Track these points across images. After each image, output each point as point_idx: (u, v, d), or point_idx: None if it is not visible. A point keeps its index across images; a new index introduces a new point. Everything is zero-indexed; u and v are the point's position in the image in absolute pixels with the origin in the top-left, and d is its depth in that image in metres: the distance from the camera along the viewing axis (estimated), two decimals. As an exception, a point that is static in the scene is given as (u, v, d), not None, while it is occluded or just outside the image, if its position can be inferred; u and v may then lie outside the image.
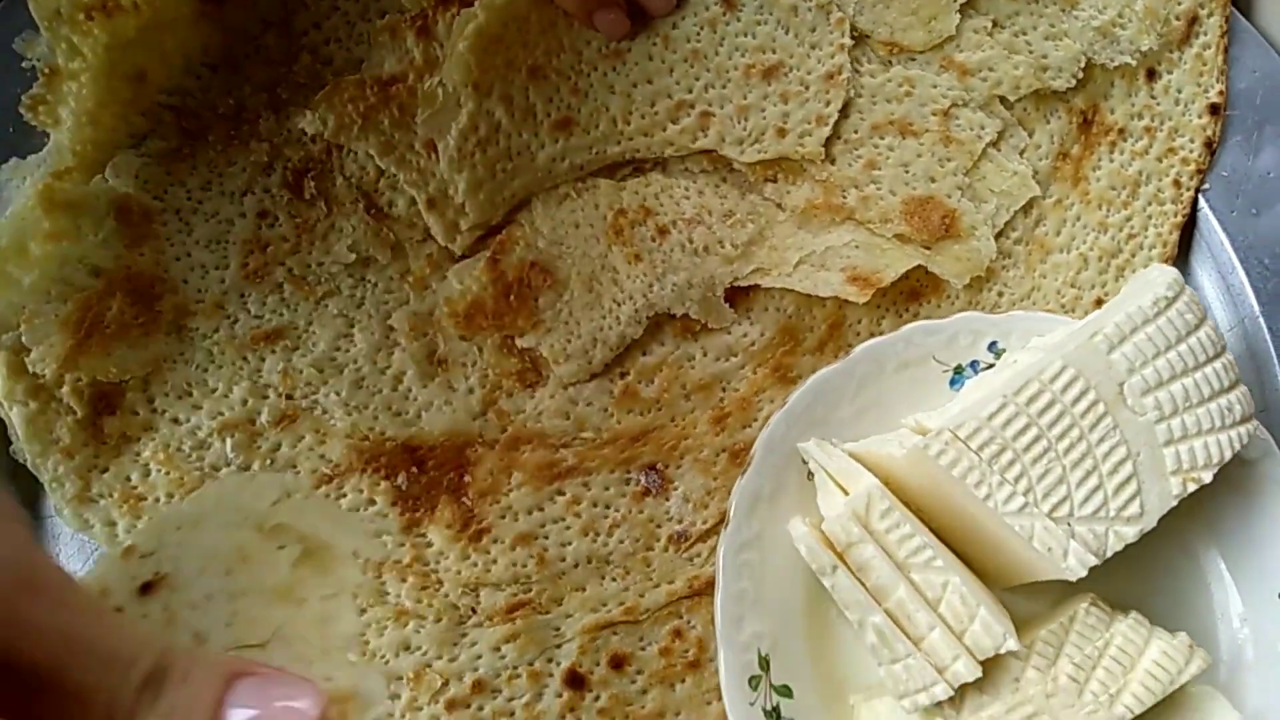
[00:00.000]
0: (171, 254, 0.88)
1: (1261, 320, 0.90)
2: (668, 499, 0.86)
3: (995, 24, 0.93)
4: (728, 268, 0.90)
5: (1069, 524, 0.72)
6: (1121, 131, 0.95)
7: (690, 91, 0.91)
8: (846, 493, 0.77)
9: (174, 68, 0.89)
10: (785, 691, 0.77)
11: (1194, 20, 0.95)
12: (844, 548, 0.73)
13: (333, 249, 0.89)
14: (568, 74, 0.90)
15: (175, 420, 0.86)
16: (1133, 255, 0.93)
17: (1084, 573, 0.71)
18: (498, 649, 0.82)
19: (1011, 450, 0.73)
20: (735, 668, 0.76)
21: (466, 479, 0.86)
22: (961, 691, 0.72)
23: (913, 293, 0.91)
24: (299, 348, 0.88)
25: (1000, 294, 0.92)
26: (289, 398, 0.87)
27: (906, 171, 0.92)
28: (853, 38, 0.93)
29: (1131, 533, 0.73)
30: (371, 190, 0.91)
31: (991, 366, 0.84)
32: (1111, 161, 0.94)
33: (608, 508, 0.86)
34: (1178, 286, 0.76)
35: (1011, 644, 0.70)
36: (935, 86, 0.93)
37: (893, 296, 0.91)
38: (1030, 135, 0.94)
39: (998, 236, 0.92)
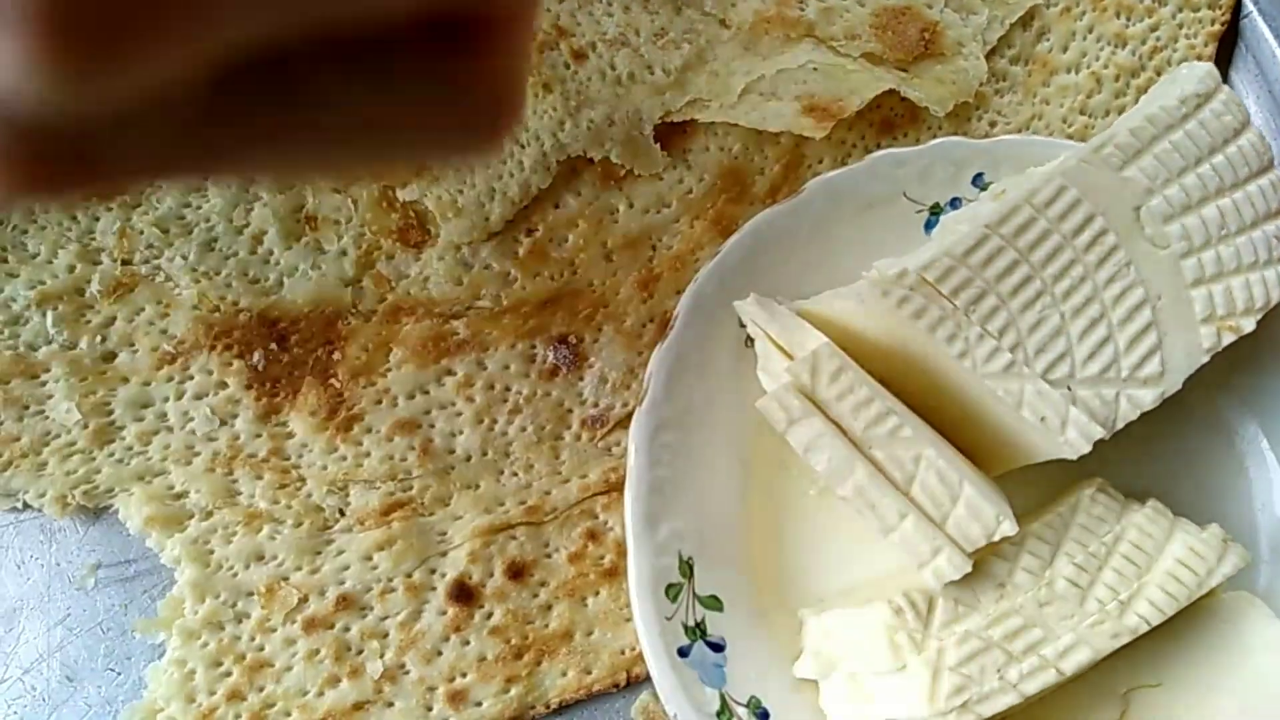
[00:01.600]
0: (-17, 94, 0.72)
1: (1317, 151, 0.72)
2: (581, 378, 0.71)
3: None
4: (658, 99, 0.73)
5: (1069, 387, 0.56)
6: (1147, -78, 0.77)
7: None
8: (792, 359, 0.62)
9: None
10: (712, 603, 0.62)
11: None
12: (783, 428, 0.58)
13: (184, 89, 0.73)
14: None
15: (-15, 291, 0.71)
16: (1158, 73, 0.75)
17: (1087, 448, 0.56)
18: (369, 558, 0.67)
19: (995, 295, 0.57)
20: (648, 574, 0.61)
21: (336, 357, 0.71)
22: (931, 600, 0.57)
23: (885, 124, 0.74)
24: (140, 204, 0.73)
25: (993, 124, 0.75)
26: (125, 263, 0.72)
27: (876, -23, 0.74)
28: None
29: (1149, 397, 0.57)
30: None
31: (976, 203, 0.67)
32: (1132, -42, 0.76)
33: (508, 389, 0.71)
34: (1211, 81, 0.59)
35: (1007, 527, 0.55)
36: None
37: (860, 130, 0.74)
38: (1033, -72, 0.76)
39: (990, 55, 0.75)
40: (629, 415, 0.67)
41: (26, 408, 0.70)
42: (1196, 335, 0.58)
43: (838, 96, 0.72)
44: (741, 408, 0.64)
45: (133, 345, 0.71)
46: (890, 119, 0.75)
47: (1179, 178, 0.58)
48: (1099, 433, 0.56)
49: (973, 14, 0.75)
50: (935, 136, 0.75)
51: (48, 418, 0.70)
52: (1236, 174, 0.59)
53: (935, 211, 0.68)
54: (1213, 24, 0.75)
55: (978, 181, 0.68)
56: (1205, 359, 0.57)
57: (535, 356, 0.71)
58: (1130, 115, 0.61)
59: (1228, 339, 0.57)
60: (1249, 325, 0.58)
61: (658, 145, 0.74)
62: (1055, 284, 0.57)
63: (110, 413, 0.70)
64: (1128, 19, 0.76)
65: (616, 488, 0.68)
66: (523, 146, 0.73)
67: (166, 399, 0.70)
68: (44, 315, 0.71)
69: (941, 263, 0.57)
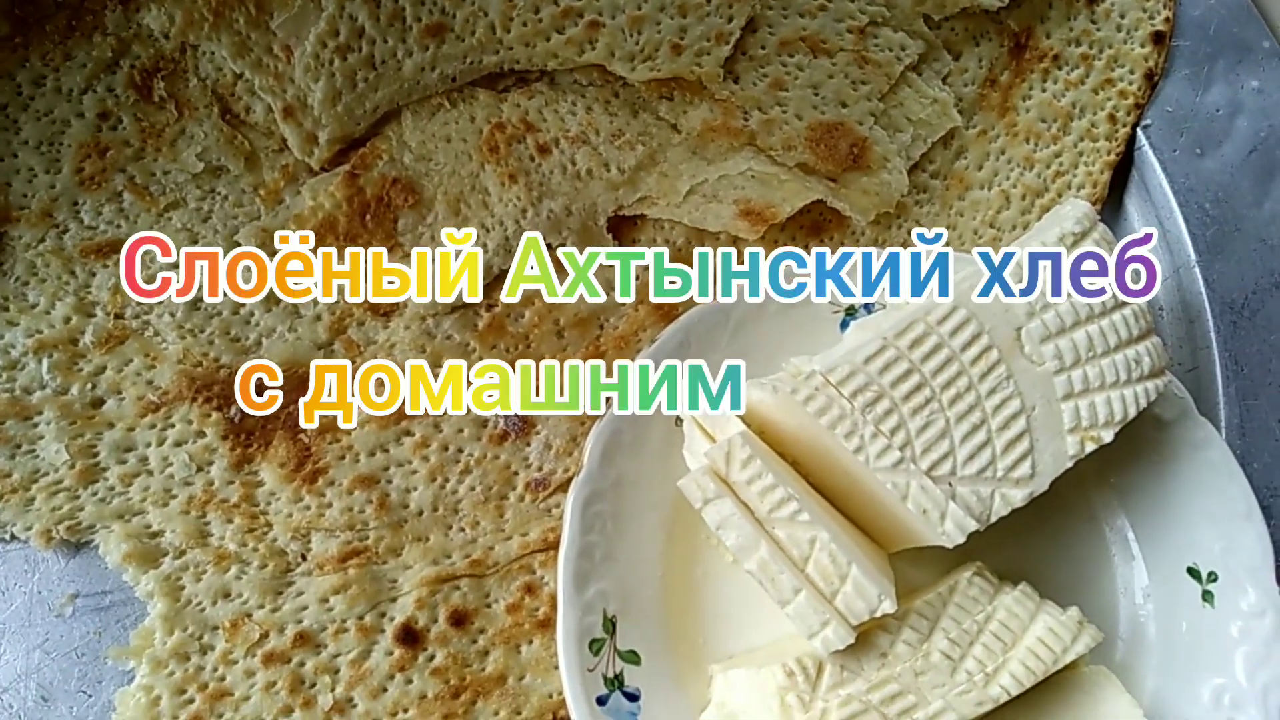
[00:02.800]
0: (-6, 154, 0.79)
1: (1198, 270, 0.82)
2: (528, 443, 0.78)
3: (922, -69, 0.84)
4: (612, 194, 0.81)
5: (950, 484, 0.64)
6: (1056, 58, 0.86)
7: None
8: (715, 442, 0.69)
9: (5, -53, 0.80)
10: (631, 658, 0.70)
11: (1142, -63, 0.86)
12: (700, 506, 0.65)
13: (181, 156, 0.81)
14: None
15: (-14, 337, 0.78)
16: (1059, 195, 0.84)
17: (962, 539, 0.64)
18: (326, 600, 0.74)
19: (889, 399, 0.65)
20: (575, 630, 0.68)
21: (306, 414, 0.78)
22: (819, 665, 0.64)
23: (814, 228, 0.83)
24: (131, 265, 0.80)
25: (910, 232, 0.83)
26: (118, 317, 0.79)
27: (816, 94, 0.83)
28: (764, -52, 0.83)
29: (1020, 496, 0.65)
30: (228, 94, 0.82)
31: (885, 309, 0.75)
32: (1043, 91, 0.86)
33: (460, 451, 0.78)
34: (1088, 221, 0.68)
35: (888, 605, 0.63)
36: (853, 1, 0.84)
37: (791, 231, 0.82)
38: (956, 59, 0.86)
39: (912, 170, 0.84)
40: (569, 480, 0.75)
41: (19, 447, 0.76)
42: (1064, 443, 0.66)
43: (771, 203, 0.80)
44: (668, 482, 0.71)
45: (120, 394, 0.78)
46: (819, 222, 0.83)
47: (1056, 304, 0.67)
48: (973, 525, 0.64)
49: (899, 131, 0.84)
50: (859, 241, 0.83)
51: (38, 457, 0.76)
52: (1105, 303, 0.67)
53: (850, 313, 0.76)
54: (1109, 154, 0.85)
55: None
56: (1069, 464, 0.66)
57: (487, 422, 0.79)
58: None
59: (1090, 448, 0.66)
60: (1108, 436, 0.66)
61: (610, 235, 0.82)
62: (943, 391, 0.65)
63: (96, 455, 0.77)
64: (1035, 144, 0.85)
65: (555, 546, 0.75)
66: (488, 230, 0.81)
67: (149, 445, 0.77)
68: (40, 362, 0.77)
69: (844, 367, 0.65)
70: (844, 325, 0.76)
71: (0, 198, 0.79)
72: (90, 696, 0.73)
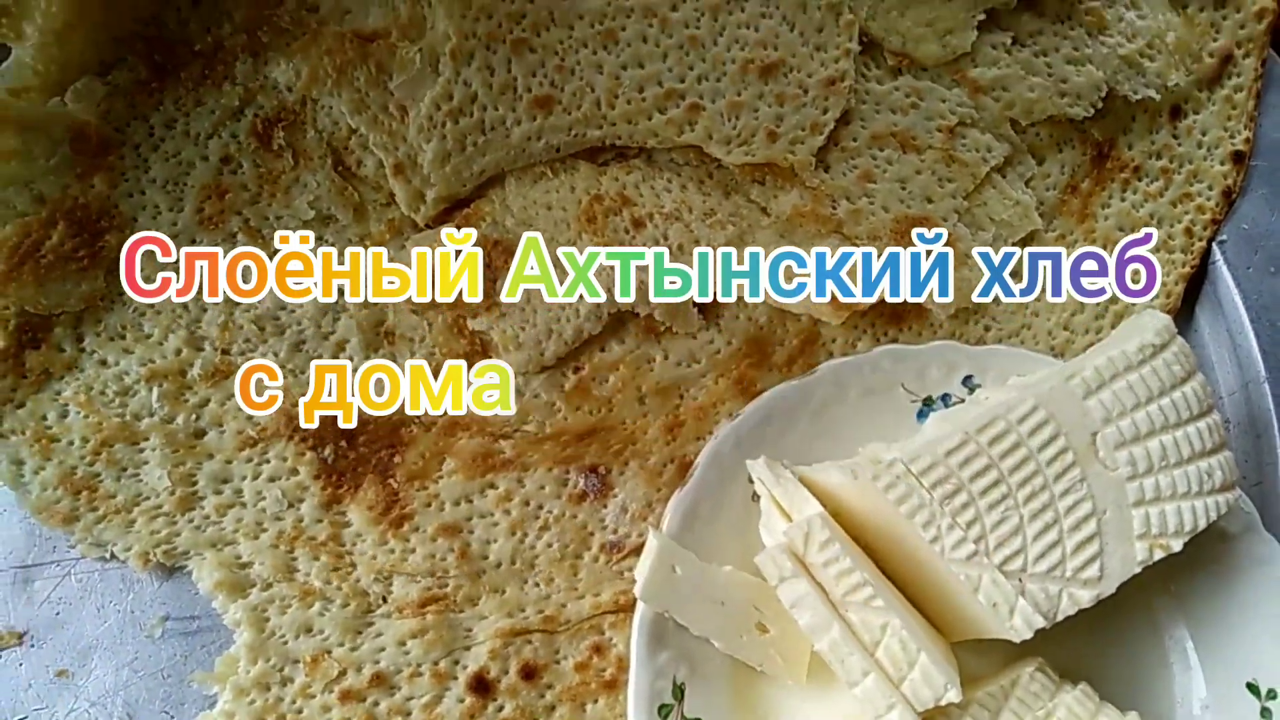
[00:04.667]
0: (124, 190, 0.84)
1: (1267, 386, 0.84)
2: (605, 505, 0.81)
3: (1015, 41, 0.88)
4: (701, 269, 0.85)
5: (1020, 579, 0.67)
6: (1137, 170, 0.89)
7: (682, 81, 0.86)
8: (790, 520, 0.72)
9: (151, -4, 0.85)
10: (697, 724, 0.72)
11: (1228, 59, 0.89)
12: (775, 584, 0.68)
13: (294, 203, 0.85)
14: (554, 49, 0.86)
15: (103, 362, 0.82)
16: (1134, 303, 0.87)
17: (1029, 634, 0.66)
18: (403, 643, 0.77)
19: (967, 492, 0.67)
20: (646, 692, 0.71)
21: (396, 460, 0.81)
22: (883, 747, 0.66)
23: (894, 316, 0.86)
24: (243, 302, 0.84)
25: (987, 329, 0.86)
26: (225, 353, 0.83)
27: (903, 188, 0.86)
28: (862, 43, 0.87)
29: (1087, 597, 0.67)
30: (342, 147, 0.87)
31: (963, 402, 0.78)
32: (1123, 201, 0.88)
33: (540, 507, 0.81)
34: (1168, 334, 0.71)
35: (953, 695, 0.64)
36: (944, 101, 0.87)
37: (872, 318, 0.85)
38: (1040, 164, 0.89)
39: (992, 268, 0.86)
40: (644, 545, 0.77)
41: (125, 470, 0.80)
42: (1132, 549, 0.68)
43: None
44: (742, 554, 0.74)
45: (221, 426, 0.82)
46: (900, 312, 0.86)
47: (1132, 412, 0.69)
48: (1041, 622, 0.66)
49: (981, 230, 0.87)
50: (937, 333, 0.86)
51: (141, 481, 0.80)
52: (1180, 415, 0.69)
53: (928, 404, 0.79)
54: (1184, 265, 0.87)
55: (967, 382, 0.79)
56: (1138, 569, 0.67)
57: (567, 481, 0.82)
58: (1098, 351, 0.72)
59: (1158, 555, 0.68)
60: (1177, 545, 0.68)
61: (695, 309, 0.85)
62: (1019, 489, 0.68)
63: (195, 483, 0.80)
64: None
65: (625, 609, 0.78)
66: (581, 297, 0.84)
67: (244, 478, 0.81)
68: (150, 390, 0.81)
69: (925, 458, 0.68)
70: (920, 415, 0.79)
71: (126, 232, 0.83)
72: (172, 718, 0.76)
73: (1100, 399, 0.69)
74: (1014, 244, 0.87)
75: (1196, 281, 0.88)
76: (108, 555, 0.79)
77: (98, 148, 0.83)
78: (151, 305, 0.83)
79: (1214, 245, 0.87)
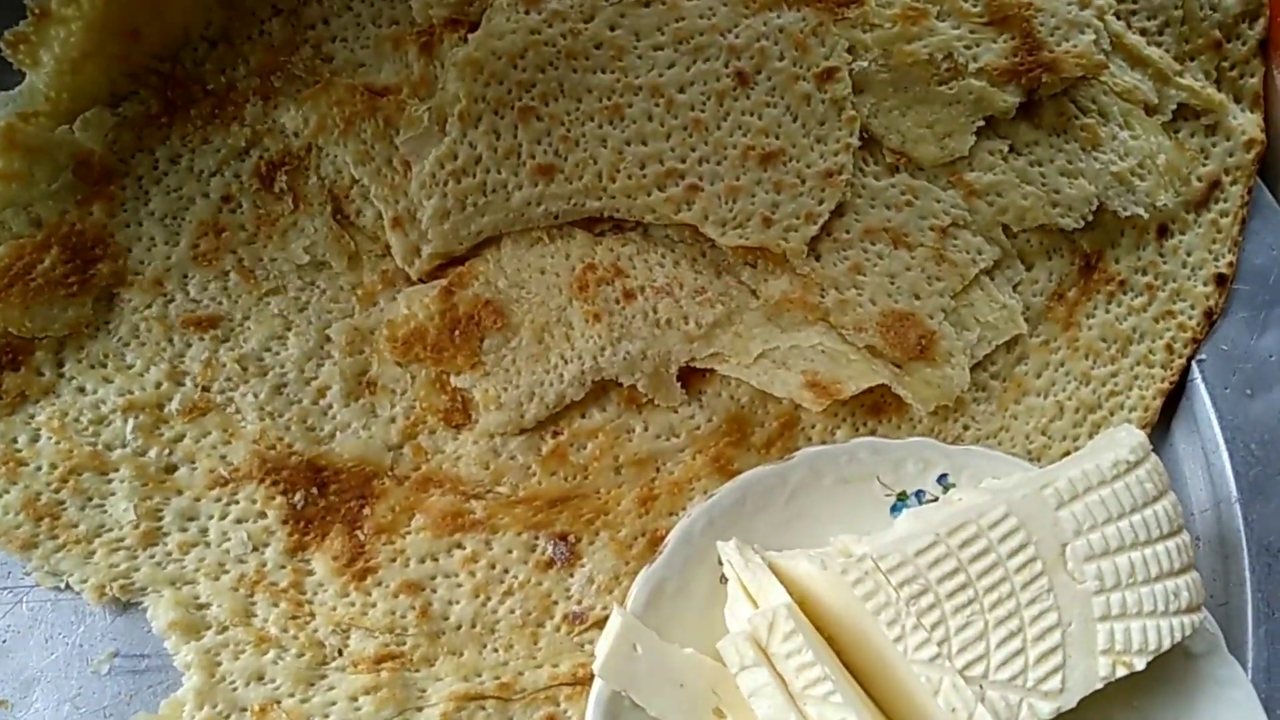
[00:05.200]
0: (121, 220, 0.85)
1: (1238, 508, 0.84)
2: (572, 574, 0.81)
3: (1012, 149, 0.90)
4: (687, 346, 0.85)
5: (981, 685, 0.66)
6: (1123, 283, 0.90)
7: (683, 161, 0.88)
8: (756, 606, 0.72)
9: (171, 33, 0.86)
10: (647, 808, 0.70)
11: (1216, 184, 0.91)
12: (735, 671, 0.67)
13: (289, 246, 0.86)
14: (561, 120, 0.87)
15: (81, 390, 0.82)
16: (1111, 413, 0.88)
17: (986, 743, 0.65)
18: (355, 699, 0.76)
19: (934, 593, 0.67)
20: (595, 772, 0.69)
21: (366, 511, 0.81)
22: None
23: (875, 408, 0.86)
24: (229, 340, 0.84)
25: (966, 427, 0.87)
26: (205, 390, 0.83)
27: (892, 283, 0.88)
28: (862, 139, 0.89)
29: (1048, 709, 0.66)
30: (342, 196, 0.87)
31: (937, 500, 0.78)
32: (1107, 312, 0.90)
33: (506, 571, 0.80)
34: (1142, 451, 0.71)
35: (901, 802, 0.64)
36: (939, 201, 0.89)
37: (852, 407, 0.86)
38: (1028, 269, 0.90)
39: (974, 368, 0.87)
40: (607, 618, 0.77)
41: (90, 500, 0.79)
42: (1096, 663, 0.68)
43: (837, 379, 0.84)
44: (705, 636, 0.73)
45: (194, 463, 0.81)
46: (880, 404, 0.86)
47: (1103, 526, 0.69)
48: (999, 731, 0.65)
49: (966, 330, 0.88)
50: (915, 428, 0.86)
51: (106, 512, 0.79)
52: (1150, 533, 0.70)
53: (902, 499, 0.79)
54: (1163, 381, 0.88)
55: (942, 480, 0.79)
56: (1099, 685, 0.67)
57: (536, 547, 0.81)
58: (1073, 462, 0.72)
59: (1120, 672, 0.67)
60: (1140, 664, 0.68)
61: (679, 383, 0.85)
62: (986, 594, 0.68)
63: (160, 519, 0.80)
64: (1094, 361, 0.89)
65: (582, 682, 0.77)
66: (566, 362, 0.85)
67: (211, 517, 0.80)
68: (125, 421, 0.81)
69: (894, 556, 0.68)
70: (894, 509, 0.79)
71: (120, 262, 0.83)
72: (110, 758, 0.74)
73: (1072, 510, 0.69)
74: (998, 346, 0.88)
75: (1174, 398, 0.89)
76: (62, 585, 0.78)
77: (100, 176, 0.84)
78: (137, 336, 0.83)
79: (1193, 364, 0.89)
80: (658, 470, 0.84)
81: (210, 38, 0.87)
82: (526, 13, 0.86)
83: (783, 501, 0.77)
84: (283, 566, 0.79)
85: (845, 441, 0.83)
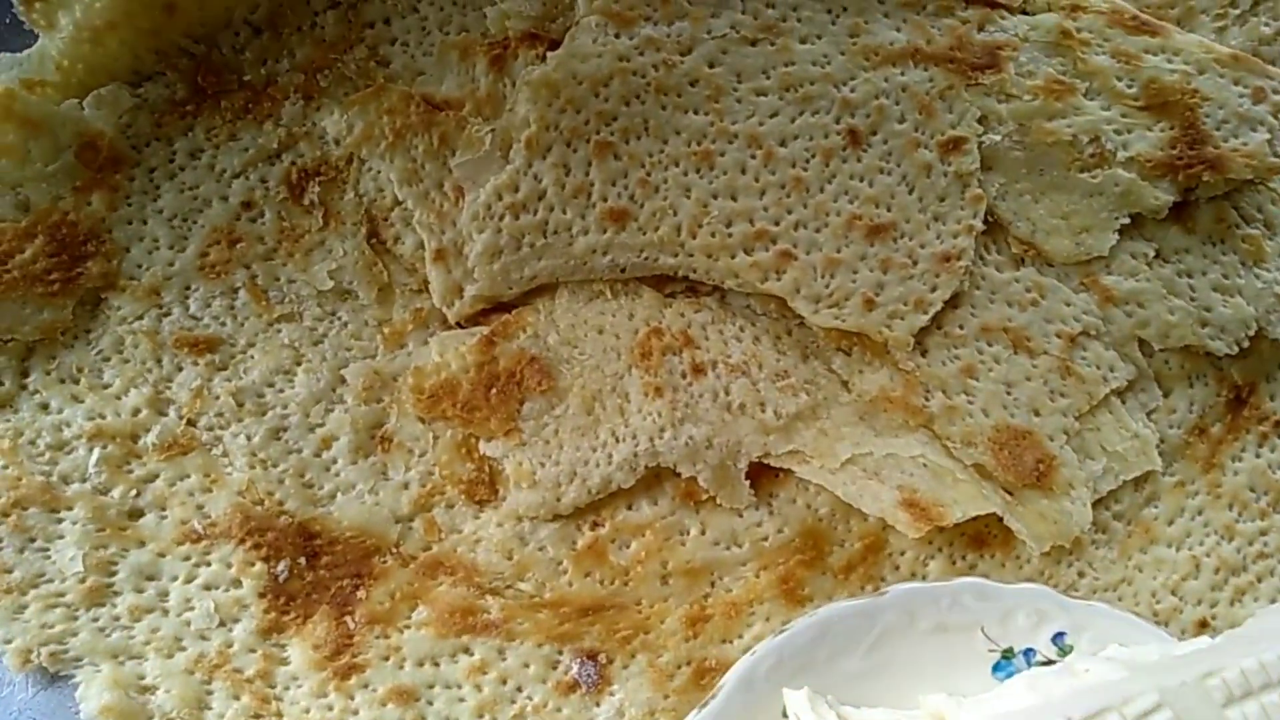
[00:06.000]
0: (123, 215, 0.73)
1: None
2: (598, 704, 0.67)
3: (1159, 255, 0.77)
4: (761, 438, 0.72)
5: None
6: (1278, 425, 0.77)
7: (777, 223, 0.76)
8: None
9: (212, 12, 0.76)
10: None
11: (1396, 322, 0.78)
12: None
13: (312, 268, 0.74)
14: (641, 161, 0.75)
15: (44, 406, 0.69)
16: (1259, 579, 0.74)
17: None
18: (317, 831, 0.61)
19: (1060, 799, 0.53)
20: None
21: (360, 594, 0.67)
22: None
23: (976, 539, 0.73)
24: (227, 368, 0.72)
25: (1081, 574, 0.73)
26: (190, 424, 0.70)
27: (1008, 393, 0.75)
28: (986, 222, 0.77)
29: None
30: (381, 218, 0.76)
31: (1051, 663, 0.64)
32: (1258, 457, 0.76)
33: (520, 690, 0.66)
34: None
35: None
36: (1068, 305, 0.76)
37: (951, 535, 0.73)
38: (1166, 395, 0.77)
39: (1096, 504, 0.74)
40: (635, 762, 0.62)
41: (33, 541, 0.66)
42: None
43: (940, 501, 0.71)
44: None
45: (164, 510, 0.68)
46: (983, 535, 0.73)
47: (1277, 730, 0.55)
48: None
49: (1090, 459, 0.74)
50: (1022, 568, 0.73)
51: (49, 558, 0.66)
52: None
53: (1007, 656, 0.65)
54: (1322, 547, 0.74)
55: (1058, 640, 0.65)
56: None
57: (558, 664, 0.67)
58: (1239, 647, 0.58)
59: None
60: None
61: (747, 482, 0.72)
62: (1126, 804, 0.53)
63: (113, 574, 0.66)
64: (1240, 514, 0.75)
65: (598, 840, 0.62)
66: (618, 440, 0.71)
67: (175, 578, 0.67)
68: (90, 450, 0.68)
69: (1012, 743, 0.53)
70: (997, 668, 0.65)
71: (113, 262, 0.71)
72: None
73: (1244, 711, 0.55)
74: (1125, 481, 0.74)
75: (1330, 567, 0.75)
76: (-18, 644, 0.64)
77: (106, 163, 0.73)
78: (120, 351, 0.71)
79: (1358, 528, 0.75)
80: (712, 585, 0.71)
81: (255, 23, 0.78)
82: (617, 35, 0.75)
83: (867, 646, 0.63)
84: (252, 650, 0.65)
85: (939, 576, 0.70)
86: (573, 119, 0.75)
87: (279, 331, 0.73)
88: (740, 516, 0.72)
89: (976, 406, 0.74)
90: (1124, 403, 0.76)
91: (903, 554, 0.72)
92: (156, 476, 0.68)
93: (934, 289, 0.76)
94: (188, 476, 0.68)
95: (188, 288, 0.73)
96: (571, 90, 0.74)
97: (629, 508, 0.71)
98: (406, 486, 0.70)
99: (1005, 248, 0.78)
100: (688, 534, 0.71)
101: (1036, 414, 0.74)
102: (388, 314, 0.75)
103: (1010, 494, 0.73)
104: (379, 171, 0.76)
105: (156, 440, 0.69)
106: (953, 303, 0.76)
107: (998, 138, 0.77)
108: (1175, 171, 0.77)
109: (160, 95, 0.75)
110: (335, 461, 0.70)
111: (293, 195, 0.76)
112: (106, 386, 0.70)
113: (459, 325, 0.74)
